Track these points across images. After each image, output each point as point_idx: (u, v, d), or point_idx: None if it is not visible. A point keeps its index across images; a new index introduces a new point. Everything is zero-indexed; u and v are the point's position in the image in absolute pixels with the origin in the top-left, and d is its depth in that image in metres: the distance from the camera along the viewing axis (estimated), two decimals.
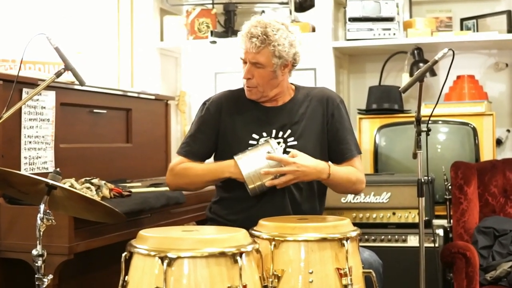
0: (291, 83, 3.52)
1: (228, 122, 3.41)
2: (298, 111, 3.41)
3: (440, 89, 5.26)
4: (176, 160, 3.46)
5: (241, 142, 3.34)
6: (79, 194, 2.90)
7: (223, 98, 3.48)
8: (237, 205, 3.37)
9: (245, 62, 3.31)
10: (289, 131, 3.36)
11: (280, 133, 3.36)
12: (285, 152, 3.27)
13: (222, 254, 2.49)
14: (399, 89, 3.27)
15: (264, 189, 3.18)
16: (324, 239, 2.80)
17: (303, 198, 3.37)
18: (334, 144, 3.40)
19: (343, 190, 3.48)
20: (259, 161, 3.15)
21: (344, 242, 2.80)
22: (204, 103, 3.50)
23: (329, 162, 3.30)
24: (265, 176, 3.14)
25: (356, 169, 3.37)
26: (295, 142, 3.34)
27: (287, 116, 3.39)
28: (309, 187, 3.38)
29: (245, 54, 3.27)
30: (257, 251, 2.66)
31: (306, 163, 3.16)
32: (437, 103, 3.45)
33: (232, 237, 2.61)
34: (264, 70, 3.27)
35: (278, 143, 3.31)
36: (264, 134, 3.36)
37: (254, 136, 3.36)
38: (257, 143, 3.32)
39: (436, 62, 3.13)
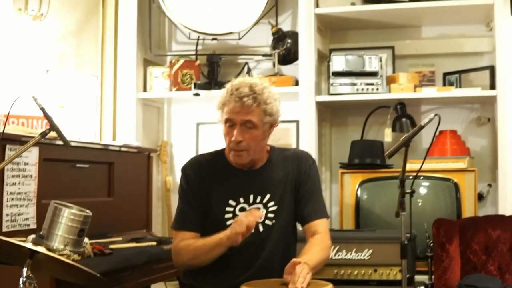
0: None
1: (208, 191, 3.28)
2: (277, 174, 3.33)
3: (422, 144, 5.42)
4: (177, 237, 3.29)
5: (218, 212, 3.25)
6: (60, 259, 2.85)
7: (202, 168, 3.33)
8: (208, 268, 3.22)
9: (230, 126, 3.17)
10: (268, 196, 3.29)
11: (258, 198, 3.28)
12: (266, 217, 3.25)
13: None
14: (385, 154, 3.28)
15: None
16: None
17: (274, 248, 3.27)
18: (303, 204, 3.32)
19: None
20: None
21: None
22: (184, 172, 3.36)
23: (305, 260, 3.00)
24: None
25: (322, 236, 3.26)
26: (276, 207, 3.28)
27: (266, 180, 3.31)
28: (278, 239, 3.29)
29: (234, 115, 3.12)
30: None
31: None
32: (423, 162, 3.41)
33: None
34: (256, 131, 3.16)
35: (258, 208, 3.23)
36: (241, 200, 3.27)
37: (231, 202, 3.26)
38: (234, 210, 3.24)
39: (422, 127, 3.15)
